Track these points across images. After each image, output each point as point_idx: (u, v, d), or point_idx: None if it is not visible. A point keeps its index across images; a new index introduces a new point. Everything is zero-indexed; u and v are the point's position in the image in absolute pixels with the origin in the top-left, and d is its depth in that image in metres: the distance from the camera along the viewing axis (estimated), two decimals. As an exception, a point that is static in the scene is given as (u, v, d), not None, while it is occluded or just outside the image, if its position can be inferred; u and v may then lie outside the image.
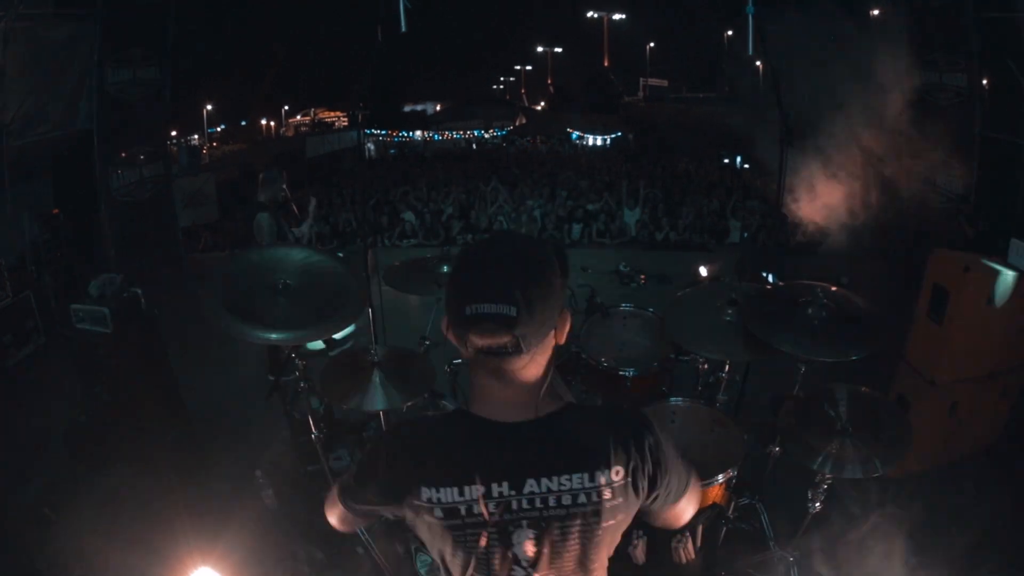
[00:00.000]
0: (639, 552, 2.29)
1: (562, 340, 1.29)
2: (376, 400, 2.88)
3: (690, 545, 2.52)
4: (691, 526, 2.54)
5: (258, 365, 5.31)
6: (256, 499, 3.72)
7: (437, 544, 1.31)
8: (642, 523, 2.53)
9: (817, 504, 2.73)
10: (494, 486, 1.24)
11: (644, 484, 1.30)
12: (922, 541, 3.39)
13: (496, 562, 1.28)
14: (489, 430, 1.26)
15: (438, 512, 1.25)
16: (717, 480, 2.64)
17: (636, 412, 1.32)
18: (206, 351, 5.56)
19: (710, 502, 2.70)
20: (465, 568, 1.30)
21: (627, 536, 2.46)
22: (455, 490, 1.23)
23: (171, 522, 3.59)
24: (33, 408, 4.61)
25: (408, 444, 1.31)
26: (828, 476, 2.64)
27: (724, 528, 2.92)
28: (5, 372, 5.19)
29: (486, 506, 1.24)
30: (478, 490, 1.23)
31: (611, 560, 1.41)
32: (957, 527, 3.42)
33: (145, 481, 3.90)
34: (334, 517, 1.52)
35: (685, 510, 1.48)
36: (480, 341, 1.19)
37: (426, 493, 1.24)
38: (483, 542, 1.27)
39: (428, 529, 1.29)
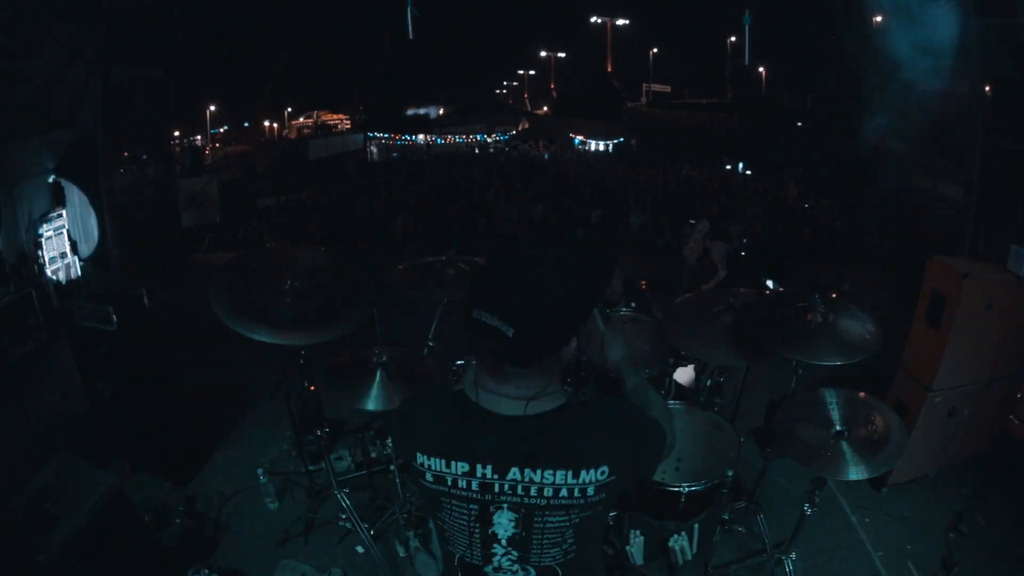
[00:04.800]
0: (637, 552, 2.31)
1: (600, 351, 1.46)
2: (379, 400, 2.91)
3: (687, 546, 2.55)
4: (689, 527, 2.56)
5: (261, 364, 5.33)
6: (258, 499, 3.74)
7: (431, 507, 1.42)
8: (639, 523, 2.57)
9: (813, 507, 2.75)
10: (478, 467, 1.32)
11: (629, 482, 1.37)
12: (918, 546, 3.42)
13: (477, 537, 1.38)
14: (482, 417, 1.33)
15: (428, 476, 1.36)
16: (714, 482, 2.67)
17: (637, 417, 1.37)
18: (208, 350, 5.59)
19: (706, 504, 2.73)
20: (451, 537, 1.42)
21: (624, 535, 2.49)
22: (442, 461, 1.34)
23: (172, 519, 3.63)
24: (34, 405, 4.62)
25: (410, 414, 1.43)
26: (824, 480, 2.67)
27: (720, 530, 2.94)
28: (6, 368, 5.20)
29: (469, 483, 1.33)
30: (462, 467, 1.33)
31: (609, 559, 1.45)
32: (953, 532, 3.44)
33: (147, 479, 3.93)
34: None
35: None
36: (481, 343, 1.28)
37: (420, 458, 1.35)
38: (465, 515, 1.37)
39: (424, 492, 1.40)
